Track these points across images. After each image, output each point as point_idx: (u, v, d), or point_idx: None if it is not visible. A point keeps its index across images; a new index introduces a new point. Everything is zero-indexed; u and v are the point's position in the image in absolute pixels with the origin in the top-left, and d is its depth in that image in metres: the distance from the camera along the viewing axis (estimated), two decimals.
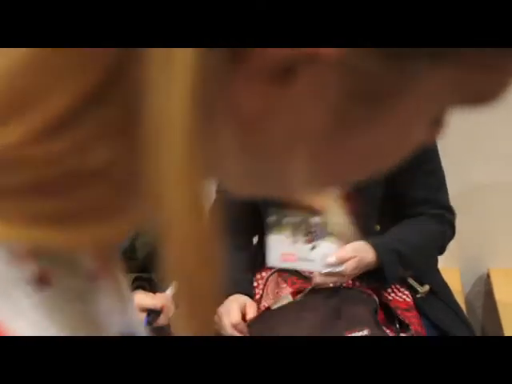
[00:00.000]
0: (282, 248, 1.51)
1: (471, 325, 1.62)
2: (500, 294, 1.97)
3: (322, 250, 1.48)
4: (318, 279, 1.47)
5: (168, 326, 1.68)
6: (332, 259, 1.44)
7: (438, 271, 1.72)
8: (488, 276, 2.10)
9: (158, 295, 1.59)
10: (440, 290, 1.64)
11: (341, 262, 1.44)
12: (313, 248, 1.49)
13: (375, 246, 1.47)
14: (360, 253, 1.45)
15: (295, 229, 1.51)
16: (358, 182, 1.29)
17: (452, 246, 1.68)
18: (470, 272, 2.13)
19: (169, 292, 1.62)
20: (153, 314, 1.53)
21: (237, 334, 1.50)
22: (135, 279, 1.60)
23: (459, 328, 1.58)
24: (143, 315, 1.54)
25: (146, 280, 1.64)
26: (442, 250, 1.61)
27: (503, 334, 1.79)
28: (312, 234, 1.50)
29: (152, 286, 1.64)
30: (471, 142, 2.01)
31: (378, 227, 1.56)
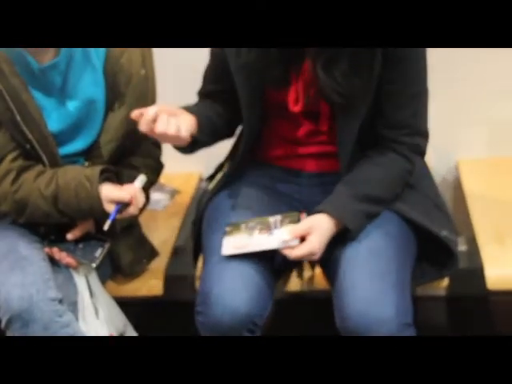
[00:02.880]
0: (236, 243, 1.53)
1: (450, 216, 1.65)
2: (468, 185, 2.00)
3: (278, 234, 1.50)
4: (292, 256, 1.47)
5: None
6: (286, 236, 1.47)
7: (421, 163, 1.71)
8: (456, 168, 2.12)
9: (126, 187, 1.60)
10: (418, 182, 1.63)
11: (295, 237, 1.46)
12: (269, 235, 1.51)
13: (340, 218, 1.48)
14: (318, 229, 1.47)
15: (251, 229, 1.55)
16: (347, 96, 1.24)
17: None
18: (440, 164, 2.16)
19: (138, 184, 1.62)
20: (122, 204, 1.56)
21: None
22: (102, 171, 1.59)
23: (438, 221, 1.60)
24: (112, 206, 1.56)
25: (113, 172, 1.63)
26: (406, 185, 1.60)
27: (472, 224, 1.82)
28: (269, 228, 1.53)
29: (119, 179, 1.63)
30: None
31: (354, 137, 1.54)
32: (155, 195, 2.07)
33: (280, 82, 1.52)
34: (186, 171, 2.23)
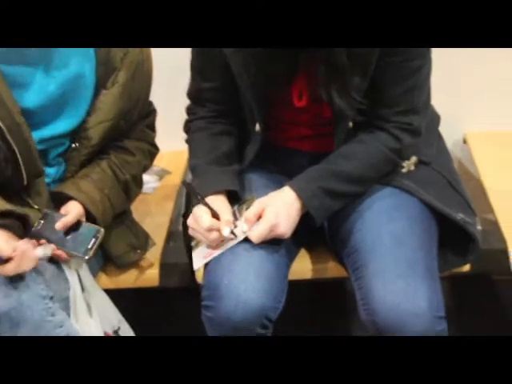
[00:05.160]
0: (204, 252, 1.44)
1: (466, 195, 1.54)
2: (479, 159, 1.90)
3: (240, 225, 1.40)
4: (254, 238, 1.38)
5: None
6: (244, 226, 1.38)
7: (436, 136, 1.61)
8: (464, 141, 2.02)
9: (15, 244, 1.36)
10: (434, 158, 1.53)
11: (252, 220, 1.38)
12: (234, 229, 1.41)
13: (299, 191, 1.40)
14: (272, 202, 1.39)
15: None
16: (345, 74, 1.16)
17: None
18: (446, 138, 2.05)
19: (39, 251, 1.42)
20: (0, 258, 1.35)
21: (215, 235, 1.39)
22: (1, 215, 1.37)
23: (453, 202, 1.49)
24: None
25: (18, 217, 1.40)
26: (395, 164, 1.49)
27: (489, 199, 1.72)
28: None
29: (28, 226, 1.42)
30: None
31: (351, 124, 1.46)
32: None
33: (282, 85, 1.44)
34: (174, 149, 2.08)
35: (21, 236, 1.40)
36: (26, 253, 1.36)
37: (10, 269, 1.34)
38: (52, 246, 1.45)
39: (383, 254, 1.34)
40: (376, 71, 1.38)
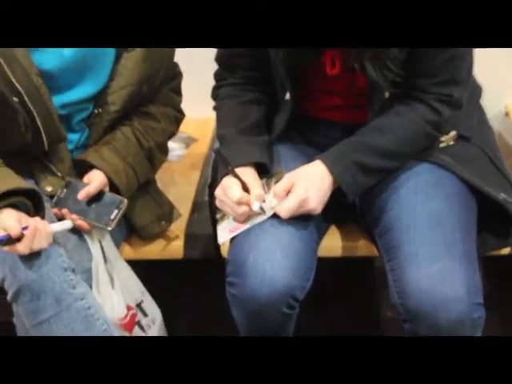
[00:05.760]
0: (230, 226, 1.37)
1: (508, 173, 1.46)
2: None
3: (269, 200, 1.34)
4: (283, 214, 1.31)
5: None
6: (273, 201, 1.32)
7: (476, 109, 1.53)
8: (506, 113, 1.92)
9: (27, 219, 1.31)
10: (474, 133, 1.45)
11: (281, 195, 1.31)
12: (263, 204, 1.34)
13: (331, 166, 1.33)
14: (303, 176, 1.32)
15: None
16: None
17: None
18: (486, 111, 1.96)
19: (55, 227, 1.37)
20: (8, 236, 1.28)
21: (244, 209, 1.32)
22: (8, 194, 1.30)
23: (494, 180, 1.41)
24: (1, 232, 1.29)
25: (28, 196, 1.34)
26: (433, 138, 1.41)
27: None
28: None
29: (38, 203, 1.35)
30: None
31: (387, 94, 1.37)
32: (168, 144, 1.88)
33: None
34: (202, 117, 2.01)
35: (34, 213, 1.35)
36: (39, 230, 1.31)
37: (21, 248, 1.29)
38: (70, 221, 1.41)
39: (419, 235, 1.28)
40: None
